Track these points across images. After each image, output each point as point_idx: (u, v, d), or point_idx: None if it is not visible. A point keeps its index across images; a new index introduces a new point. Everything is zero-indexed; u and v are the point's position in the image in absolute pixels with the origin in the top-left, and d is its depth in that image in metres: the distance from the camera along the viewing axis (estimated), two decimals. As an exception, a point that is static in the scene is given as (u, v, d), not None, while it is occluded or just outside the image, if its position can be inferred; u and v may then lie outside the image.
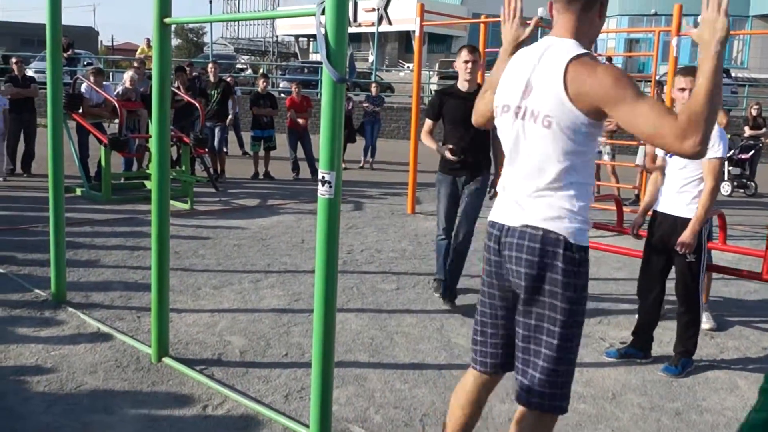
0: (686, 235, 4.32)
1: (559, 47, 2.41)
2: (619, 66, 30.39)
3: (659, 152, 4.63)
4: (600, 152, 11.10)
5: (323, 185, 2.95)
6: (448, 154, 5.33)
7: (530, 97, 2.42)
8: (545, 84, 2.37)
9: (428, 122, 5.59)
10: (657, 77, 10.97)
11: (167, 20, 3.71)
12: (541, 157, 2.43)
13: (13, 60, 11.56)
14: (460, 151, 5.34)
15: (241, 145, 15.01)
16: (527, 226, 2.46)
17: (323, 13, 2.83)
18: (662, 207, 4.59)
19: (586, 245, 2.49)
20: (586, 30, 2.49)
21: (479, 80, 5.70)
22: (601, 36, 32.00)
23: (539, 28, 3.07)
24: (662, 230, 4.55)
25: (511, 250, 2.49)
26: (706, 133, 2.12)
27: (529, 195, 2.48)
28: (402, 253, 7.23)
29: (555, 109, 2.35)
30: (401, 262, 6.89)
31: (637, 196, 10.86)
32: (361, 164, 14.46)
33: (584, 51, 2.38)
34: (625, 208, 8.58)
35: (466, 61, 5.36)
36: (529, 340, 2.50)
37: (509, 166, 2.57)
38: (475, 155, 5.42)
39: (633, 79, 2.33)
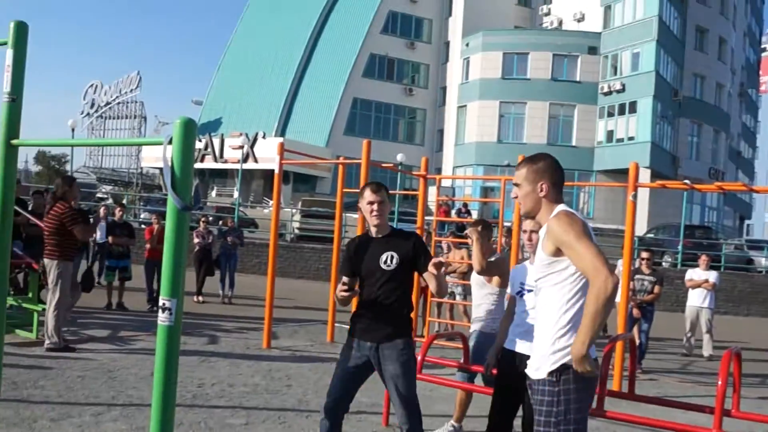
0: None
1: None
2: (475, 212, 31.51)
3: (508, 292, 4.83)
4: (452, 293, 11.49)
5: (163, 312, 2.95)
6: (339, 287, 4.22)
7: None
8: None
9: (344, 280, 4.40)
10: (506, 223, 11.70)
11: (14, 142, 3.71)
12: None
13: None
14: (371, 303, 4.24)
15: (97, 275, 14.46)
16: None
17: (170, 143, 2.94)
18: (510, 344, 4.61)
19: None
20: None
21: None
22: (458, 183, 33.60)
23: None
24: (509, 367, 4.62)
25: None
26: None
27: None
28: (254, 388, 7.11)
29: None
30: (253, 396, 6.77)
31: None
32: (220, 298, 14.25)
33: None
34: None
35: (371, 202, 4.28)
36: None
37: None
38: (390, 311, 4.23)
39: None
